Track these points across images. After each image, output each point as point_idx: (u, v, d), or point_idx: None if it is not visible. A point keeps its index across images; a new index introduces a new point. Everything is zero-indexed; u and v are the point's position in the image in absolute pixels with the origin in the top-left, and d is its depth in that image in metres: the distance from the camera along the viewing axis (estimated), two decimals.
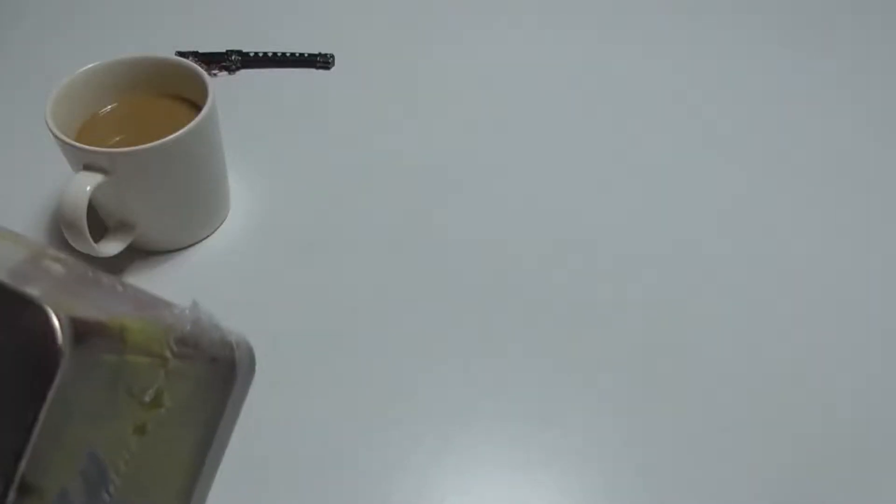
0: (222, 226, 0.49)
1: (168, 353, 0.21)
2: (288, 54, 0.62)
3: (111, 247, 0.43)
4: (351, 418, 0.39)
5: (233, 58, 0.61)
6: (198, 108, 0.43)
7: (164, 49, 0.51)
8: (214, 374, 0.23)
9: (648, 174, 0.53)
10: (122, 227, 0.44)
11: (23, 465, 0.16)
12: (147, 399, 0.20)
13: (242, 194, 0.51)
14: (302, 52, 0.63)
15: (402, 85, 0.61)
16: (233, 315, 0.43)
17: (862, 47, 0.66)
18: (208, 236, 0.48)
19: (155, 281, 0.45)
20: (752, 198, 0.51)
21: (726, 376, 0.41)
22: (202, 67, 0.45)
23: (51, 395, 0.17)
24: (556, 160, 0.54)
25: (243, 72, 0.62)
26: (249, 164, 0.53)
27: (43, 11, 0.68)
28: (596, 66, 0.63)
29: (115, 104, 0.46)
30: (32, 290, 0.17)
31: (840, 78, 0.62)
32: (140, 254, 0.46)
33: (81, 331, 0.17)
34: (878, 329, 0.44)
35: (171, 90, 0.46)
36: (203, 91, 0.43)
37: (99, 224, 0.45)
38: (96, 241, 0.41)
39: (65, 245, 0.46)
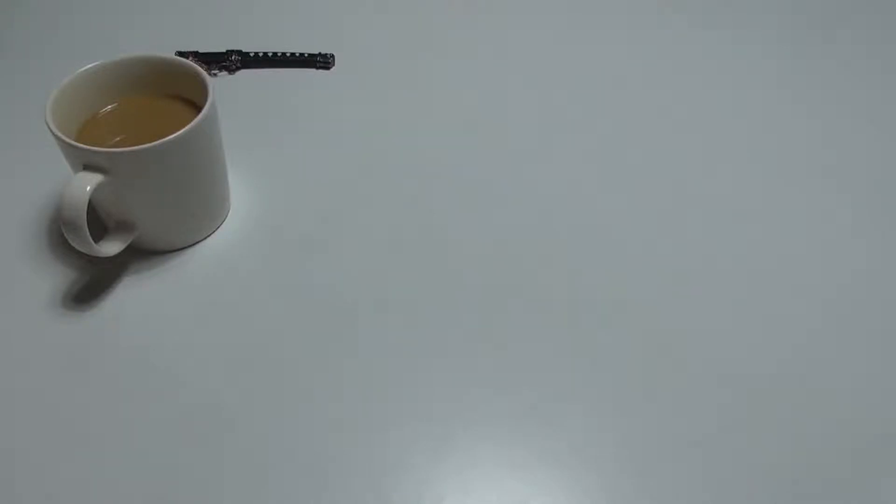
0: (222, 226, 0.49)
1: None
2: (288, 54, 0.62)
3: (111, 247, 0.43)
4: (351, 418, 0.39)
5: (233, 58, 0.61)
6: (198, 108, 0.43)
7: (164, 49, 0.51)
8: None
9: (649, 173, 0.53)
10: (122, 227, 0.44)
11: None
12: None
13: (242, 194, 0.51)
14: (302, 52, 0.63)
15: (402, 85, 0.61)
16: (233, 315, 0.44)
17: (861, 47, 0.66)
18: (208, 236, 0.48)
19: (155, 281, 0.45)
20: (753, 198, 0.51)
21: (726, 376, 0.41)
22: (202, 67, 0.45)
23: None
24: (556, 159, 0.54)
25: (243, 72, 0.62)
26: (249, 164, 0.53)
27: (43, 11, 0.68)
28: (597, 65, 0.63)
29: (115, 104, 0.46)
30: None
31: (839, 76, 0.62)
32: (140, 254, 0.46)
33: None
34: (878, 329, 0.44)
35: (171, 90, 0.46)
36: (203, 91, 0.43)
37: (99, 224, 0.45)
38: (96, 241, 0.41)
39: (65, 245, 0.46)
